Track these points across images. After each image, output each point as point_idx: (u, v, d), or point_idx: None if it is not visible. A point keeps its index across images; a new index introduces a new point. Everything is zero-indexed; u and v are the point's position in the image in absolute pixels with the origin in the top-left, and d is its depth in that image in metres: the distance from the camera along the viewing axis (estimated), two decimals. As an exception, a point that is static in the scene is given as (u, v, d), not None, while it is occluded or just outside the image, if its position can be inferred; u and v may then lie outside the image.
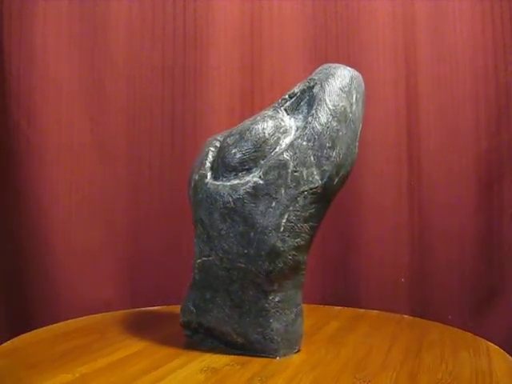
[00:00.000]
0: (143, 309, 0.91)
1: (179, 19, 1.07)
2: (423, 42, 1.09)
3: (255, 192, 0.64)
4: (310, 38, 1.11)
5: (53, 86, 1.02)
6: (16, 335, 0.72)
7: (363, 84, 0.70)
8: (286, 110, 0.70)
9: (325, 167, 0.64)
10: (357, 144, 0.67)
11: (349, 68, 0.69)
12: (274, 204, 0.63)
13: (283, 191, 0.63)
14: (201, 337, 0.70)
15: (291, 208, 0.63)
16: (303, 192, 0.63)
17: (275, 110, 0.70)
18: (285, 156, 0.64)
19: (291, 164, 0.63)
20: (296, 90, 0.70)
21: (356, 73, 0.69)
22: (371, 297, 1.07)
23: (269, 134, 0.67)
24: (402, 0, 1.10)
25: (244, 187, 0.64)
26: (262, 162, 0.65)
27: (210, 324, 0.68)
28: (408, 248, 1.09)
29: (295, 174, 0.63)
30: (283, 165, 0.64)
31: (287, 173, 0.63)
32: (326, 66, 0.70)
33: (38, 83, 1.01)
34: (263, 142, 0.66)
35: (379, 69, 1.09)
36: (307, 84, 0.69)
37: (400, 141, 1.10)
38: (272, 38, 1.10)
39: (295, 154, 0.64)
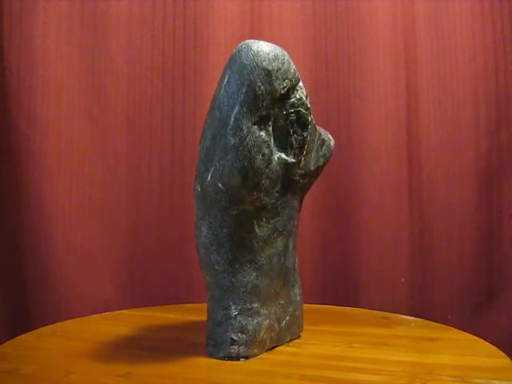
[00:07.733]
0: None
1: (179, 19, 1.07)
2: (423, 42, 1.09)
3: None
4: (309, 38, 1.11)
5: (53, 85, 1.02)
6: (16, 335, 0.72)
7: (247, 56, 0.58)
8: None
9: (199, 165, 0.62)
10: (232, 132, 0.57)
11: (240, 44, 0.60)
12: None
13: None
14: None
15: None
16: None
17: None
18: None
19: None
20: None
21: (241, 45, 0.59)
22: (371, 297, 1.07)
23: None
24: (402, 0, 1.10)
25: None
26: None
27: None
28: (408, 248, 1.09)
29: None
30: None
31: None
32: None
33: (38, 83, 1.01)
34: None
35: (379, 69, 1.09)
36: None
37: (400, 141, 1.09)
38: (272, 39, 1.08)
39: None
